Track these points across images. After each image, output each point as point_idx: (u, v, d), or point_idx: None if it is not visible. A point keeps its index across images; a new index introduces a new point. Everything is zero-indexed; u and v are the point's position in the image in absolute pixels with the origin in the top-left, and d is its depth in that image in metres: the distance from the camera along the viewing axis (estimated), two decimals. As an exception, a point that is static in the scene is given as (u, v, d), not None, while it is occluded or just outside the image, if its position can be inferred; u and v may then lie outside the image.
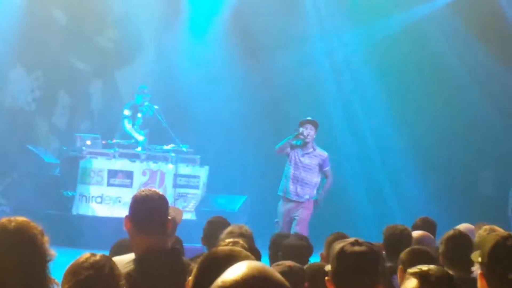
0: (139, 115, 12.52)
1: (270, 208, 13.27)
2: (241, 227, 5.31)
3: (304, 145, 9.92)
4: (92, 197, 11.75)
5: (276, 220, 9.88)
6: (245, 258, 2.23)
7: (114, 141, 12.27)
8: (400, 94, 14.09)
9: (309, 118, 10.00)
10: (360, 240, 3.14)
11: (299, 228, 9.63)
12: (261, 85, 14.42)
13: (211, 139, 13.84)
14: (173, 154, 12.39)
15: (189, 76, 14.44)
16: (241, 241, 4.00)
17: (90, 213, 11.70)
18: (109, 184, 11.86)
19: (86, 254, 3.19)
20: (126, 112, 12.47)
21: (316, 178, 10.01)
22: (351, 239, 3.18)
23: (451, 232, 4.90)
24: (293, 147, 9.96)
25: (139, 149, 12.29)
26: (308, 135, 9.87)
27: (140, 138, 12.43)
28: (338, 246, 3.08)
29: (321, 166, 10.02)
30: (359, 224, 12.81)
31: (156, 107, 12.41)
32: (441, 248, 4.82)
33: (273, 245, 5.48)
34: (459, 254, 4.64)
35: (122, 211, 11.03)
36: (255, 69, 14.58)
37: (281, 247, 5.17)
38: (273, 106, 14.37)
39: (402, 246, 4.79)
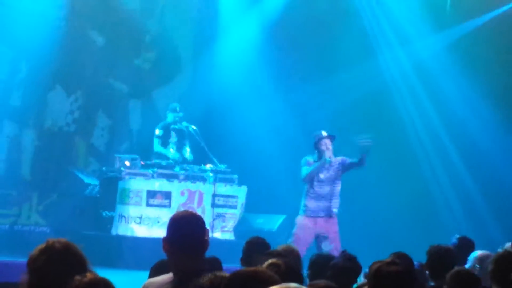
0: (172, 133, 12.63)
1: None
2: (284, 248, 5.34)
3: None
4: (131, 217, 11.80)
5: (293, 231, 9.58)
6: (269, 279, 2.25)
7: (153, 161, 12.39)
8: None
9: (325, 132, 9.72)
10: (398, 260, 3.18)
11: (335, 245, 9.43)
12: (300, 104, 14.43)
13: (249, 159, 13.88)
14: (211, 174, 12.47)
15: (227, 96, 14.52)
16: (280, 263, 4.03)
17: (129, 234, 11.74)
18: (148, 205, 11.90)
19: (48, 240, 3.28)
20: (157, 131, 12.60)
21: (338, 187, 9.77)
22: (389, 259, 3.22)
23: (501, 252, 4.91)
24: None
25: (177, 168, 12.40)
26: (331, 154, 9.63)
27: (171, 150, 12.51)
28: (375, 266, 3.12)
29: (344, 165, 9.75)
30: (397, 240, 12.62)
31: (193, 127, 12.52)
32: (490, 268, 4.84)
33: (313, 266, 5.51)
34: (508, 275, 4.65)
35: (161, 232, 11.08)
36: (294, 87, 14.59)
37: (328, 268, 5.21)
38: (310, 124, 14.34)
39: (447, 267, 4.80)
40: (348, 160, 9.78)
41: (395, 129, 14.03)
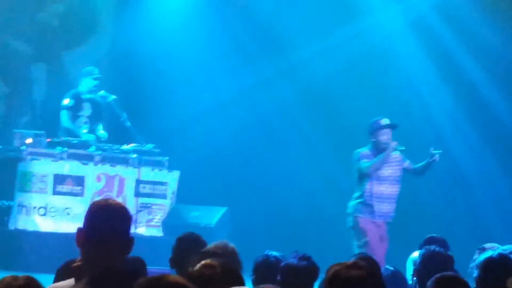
0: (86, 105, 12.51)
1: (255, 223, 13.30)
2: (218, 245, 5.37)
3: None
4: (34, 208, 11.71)
5: (362, 241, 9.83)
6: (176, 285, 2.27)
7: (62, 139, 12.29)
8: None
9: (385, 120, 10.02)
10: (361, 263, 3.19)
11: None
12: (243, 72, 14.43)
13: (183, 138, 13.85)
14: (134, 156, 12.42)
15: (156, 61, 14.41)
16: (215, 264, 4.05)
17: (31, 228, 11.66)
18: (55, 192, 11.83)
19: (6, 278, 3.25)
20: (66, 101, 12.44)
21: (398, 189, 10.14)
22: (350, 262, 3.23)
23: (490, 255, 5.04)
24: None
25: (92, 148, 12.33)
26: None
27: (84, 131, 12.43)
28: (332, 269, 3.12)
29: (407, 170, 10.18)
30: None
31: (113, 97, 12.43)
32: (478, 273, 5.00)
33: (258, 269, 5.55)
34: (498, 281, 4.79)
35: (71, 226, 10.99)
36: (237, 55, 14.49)
37: (278, 271, 5.27)
38: (259, 100, 14.40)
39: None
40: (412, 166, 10.23)
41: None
